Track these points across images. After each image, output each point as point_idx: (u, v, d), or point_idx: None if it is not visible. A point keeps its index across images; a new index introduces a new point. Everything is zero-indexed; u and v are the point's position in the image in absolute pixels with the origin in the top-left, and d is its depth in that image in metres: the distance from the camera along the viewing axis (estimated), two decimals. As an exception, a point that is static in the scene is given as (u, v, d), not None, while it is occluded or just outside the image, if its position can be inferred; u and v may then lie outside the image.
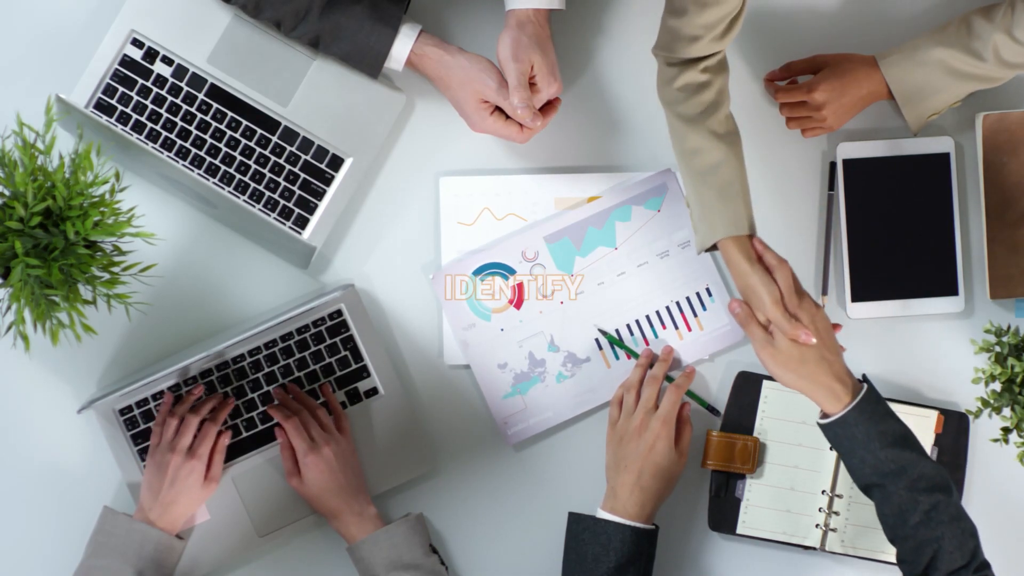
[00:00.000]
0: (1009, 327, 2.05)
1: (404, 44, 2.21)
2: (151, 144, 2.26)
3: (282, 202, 2.27)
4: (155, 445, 2.22)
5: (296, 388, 2.26)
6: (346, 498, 2.22)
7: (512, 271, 2.30)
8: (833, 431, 2.12)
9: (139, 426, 2.25)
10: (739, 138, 2.17)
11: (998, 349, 2.04)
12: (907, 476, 2.09)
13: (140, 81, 2.26)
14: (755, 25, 2.32)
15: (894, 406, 2.27)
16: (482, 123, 2.21)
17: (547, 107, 2.23)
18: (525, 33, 2.18)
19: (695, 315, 2.30)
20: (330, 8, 2.20)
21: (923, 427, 2.28)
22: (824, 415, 2.13)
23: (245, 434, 2.27)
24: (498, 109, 2.21)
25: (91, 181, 1.93)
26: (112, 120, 2.25)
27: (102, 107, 2.25)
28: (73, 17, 2.29)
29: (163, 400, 2.24)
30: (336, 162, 2.27)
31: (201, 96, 2.26)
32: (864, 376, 2.15)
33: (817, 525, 2.27)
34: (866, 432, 2.10)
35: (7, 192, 1.93)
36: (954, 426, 2.28)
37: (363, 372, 2.28)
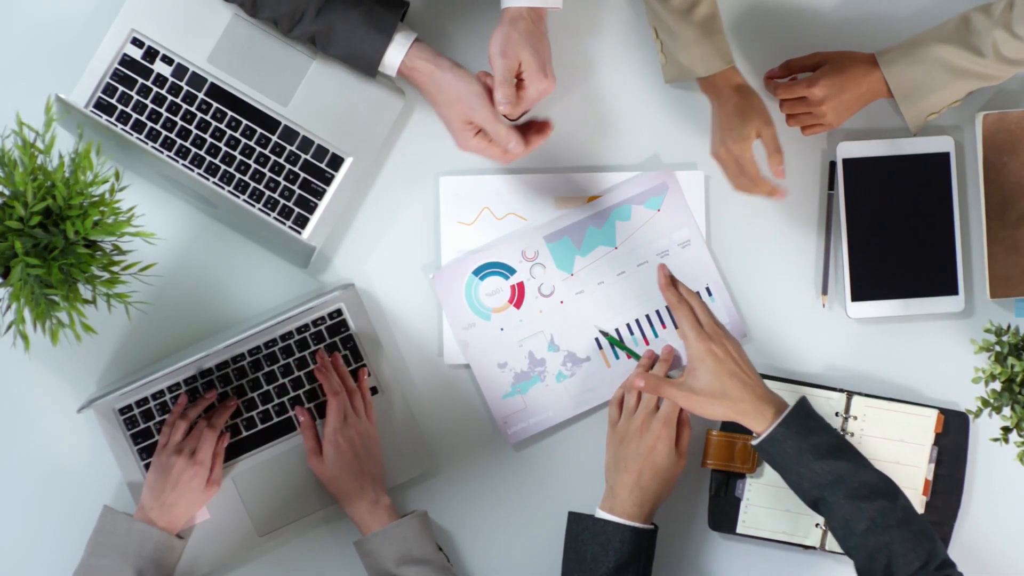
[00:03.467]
0: (1009, 327, 2.05)
1: (397, 53, 2.20)
2: (151, 143, 2.26)
3: (282, 201, 2.27)
4: (162, 445, 2.23)
5: (342, 365, 2.26)
6: (362, 483, 2.22)
7: (512, 271, 2.30)
8: (765, 450, 2.13)
9: (139, 425, 2.26)
10: None
11: (998, 348, 2.04)
12: (846, 485, 2.09)
13: (140, 80, 2.26)
14: (755, 24, 2.32)
15: (895, 405, 2.28)
16: (466, 143, 2.21)
17: (535, 133, 2.21)
18: (517, 30, 2.17)
19: (695, 315, 2.30)
20: (326, 10, 2.19)
21: (923, 427, 2.28)
22: (756, 436, 2.15)
23: (245, 433, 2.27)
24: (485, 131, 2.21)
25: (91, 181, 1.93)
26: (112, 119, 2.25)
27: (102, 106, 2.25)
28: (73, 17, 2.29)
29: (177, 402, 2.24)
30: (336, 161, 2.27)
31: (201, 95, 2.26)
32: (803, 398, 2.15)
33: (817, 524, 2.27)
34: (797, 447, 2.11)
35: (7, 192, 1.93)
36: (954, 426, 2.28)
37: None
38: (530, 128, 2.22)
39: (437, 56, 2.21)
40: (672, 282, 2.24)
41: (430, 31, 2.29)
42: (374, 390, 2.28)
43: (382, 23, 2.19)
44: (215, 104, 2.27)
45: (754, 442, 2.14)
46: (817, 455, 2.11)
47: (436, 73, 2.20)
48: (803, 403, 2.15)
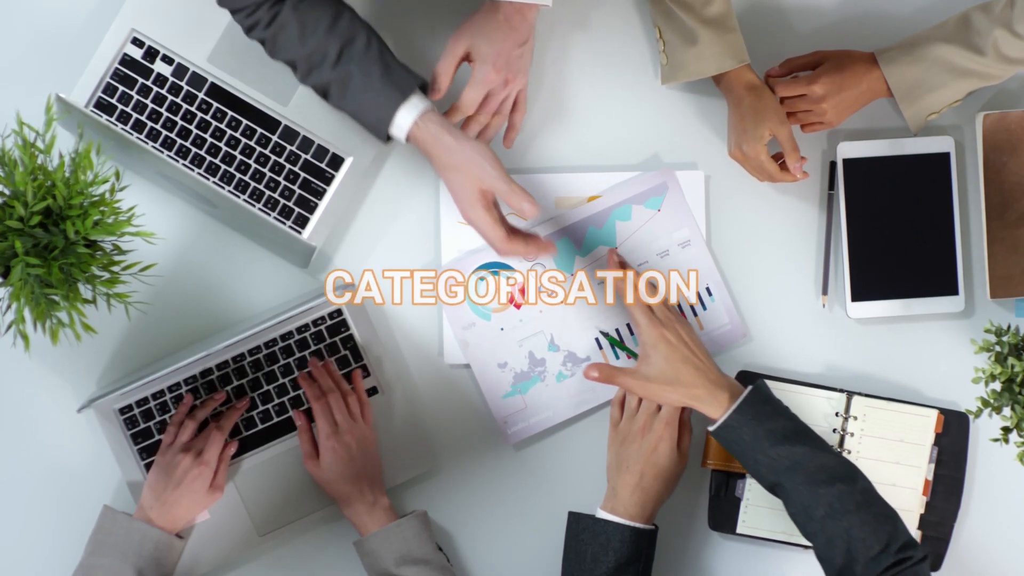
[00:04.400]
0: (1009, 327, 2.05)
1: (409, 114, 2.14)
2: (151, 143, 2.26)
3: (282, 201, 2.27)
4: (167, 444, 2.22)
5: (332, 366, 2.26)
6: (360, 486, 2.22)
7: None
8: (721, 437, 2.14)
9: (139, 425, 2.26)
10: None
11: (998, 349, 2.04)
12: (803, 470, 2.09)
13: (140, 80, 2.26)
14: (756, 23, 2.32)
15: (895, 405, 2.28)
16: (472, 211, 2.14)
17: (534, 241, 2.18)
18: (486, 20, 2.18)
19: (695, 315, 2.30)
20: (347, 59, 2.14)
21: (923, 427, 2.28)
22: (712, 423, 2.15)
23: (245, 433, 2.27)
24: (494, 208, 2.16)
25: (91, 180, 1.93)
26: (112, 119, 2.25)
27: (102, 106, 2.25)
28: (73, 17, 2.29)
29: (183, 401, 2.24)
30: (336, 161, 2.27)
31: (201, 95, 2.26)
32: (761, 380, 2.15)
33: (817, 525, 2.27)
34: (752, 433, 2.11)
35: (7, 191, 1.93)
36: (954, 426, 2.28)
37: (363, 371, 2.28)
38: (535, 240, 2.19)
39: (449, 124, 2.16)
40: (622, 267, 2.22)
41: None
42: (374, 390, 2.28)
43: (401, 82, 2.14)
44: (215, 104, 2.27)
45: (710, 429, 2.14)
46: (773, 441, 2.10)
47: (447, 137, 2.14)
48: (759, 388, 2.14)
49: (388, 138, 2.17)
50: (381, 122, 2.15)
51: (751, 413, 2.11)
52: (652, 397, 2.15)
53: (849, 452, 2.27)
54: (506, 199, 2.14)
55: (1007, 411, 2.22)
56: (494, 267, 2.30)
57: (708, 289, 2.31)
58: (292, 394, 2.28)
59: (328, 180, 2.27)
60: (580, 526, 2.20)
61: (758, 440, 2.10)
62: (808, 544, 2.27)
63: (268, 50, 2.17)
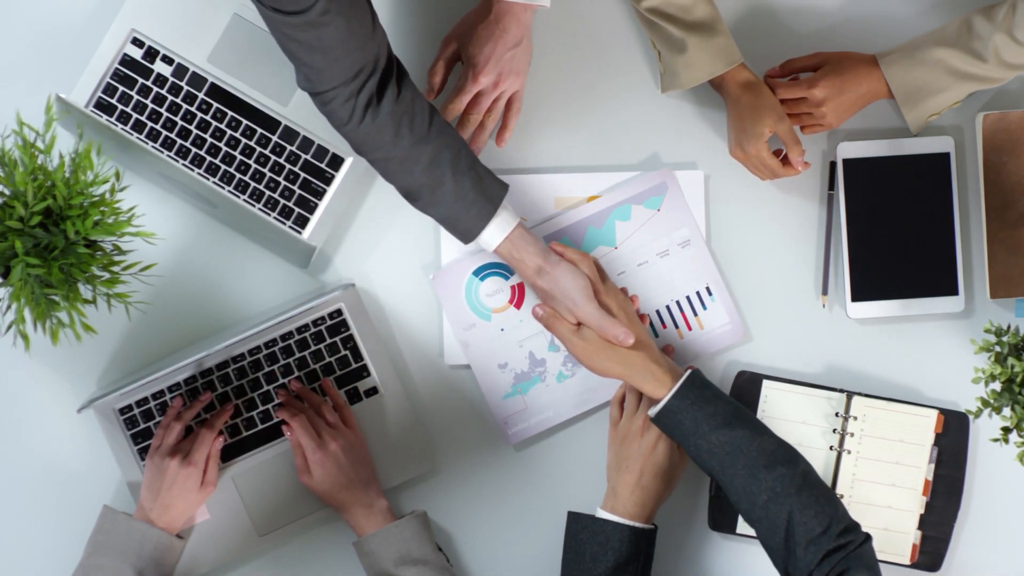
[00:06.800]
0: (1009, 327, 2.05)
1: (500, 231, 2.16)
2: (151, 143, 2.26)
3: (282, 201, 2.27)
4: (155, 447, 2.22)
5: (300, 385, 2.26)
6: (355, 491, 2.22)
7: (512, 271, 2.29)
8: (662, 423, 2.15)
9: (139, 425, 2.26)
10: None
11: (998, 349, 2.04)
12: (743, 455, 2.09)
13: (140, 80, 2.26)
14: (755, 24, 2.32)
15: (894, 405, 2.28)
16: (569, 340, 2.20)
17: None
18: (478, 21, 2.19)
19: (695, 314, 2.30)
20: (440, 165, 2.11)
21: (923, 427, 2.28)
22: (652, 405, 2.16)
23: (245, 433, 2.27)
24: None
25: (91, 180, 1.93)
26: (112, 119, 2.25)
27: (102, 106, 2.25)
28: (73, 17, 2.29)
29: (172, 404, 2.24)
30: (336, 161, 2.27)
31: (201, 95, 2.26)
32: (692, 368, 2.17)
33: (817, 525, 2.27)
34: (692, 418, 2.12)
35: (7, 191, 1.92)
36: (954, 426, 2.28)
37: (363, 371, 2.28)
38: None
39: (541, 246, 2.18)
40: (566, 249, 2.23)
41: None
42: (374, 390, 2.28)
43: (491, 191, 2.14)
44: (215, 104, 2.27)
45: (650, 414, 2.15)
46: (713, 425, 2.11)
47: (545, 267, 2.17)
48: (696, 373, 2.16)
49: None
50: (470, 231, 2.15)
51: (691, 397, 2.13)
52: (588, 360, 2.18)
53: (849, 452, 2.27)
54: (597, 331, 2.17)
55: (1007, 411, 2.22)
56: (495, 267, 2.29)
57: (708, 289, 2.31)
58: (294, 392, 2.27)
59: (328, 180, 2.27)
60: (579, 525, 2.20)
61: (698, 425, 2.11)
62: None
63: (355, 145, 2.11)
